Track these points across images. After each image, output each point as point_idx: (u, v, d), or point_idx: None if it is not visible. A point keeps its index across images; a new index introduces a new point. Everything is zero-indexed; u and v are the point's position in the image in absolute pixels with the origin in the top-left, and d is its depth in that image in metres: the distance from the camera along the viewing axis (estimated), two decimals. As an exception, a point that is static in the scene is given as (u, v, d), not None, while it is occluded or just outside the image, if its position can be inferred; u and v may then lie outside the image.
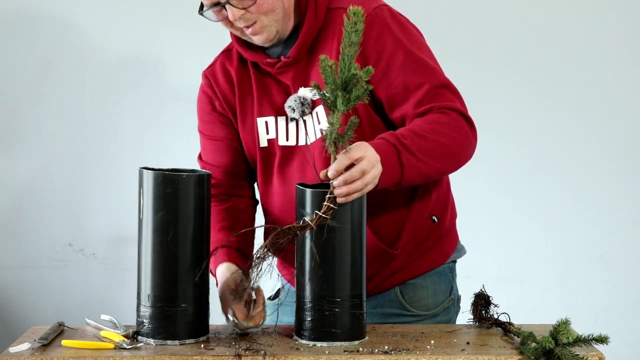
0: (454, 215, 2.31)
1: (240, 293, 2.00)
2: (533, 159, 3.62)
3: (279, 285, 2.34)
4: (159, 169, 1.95)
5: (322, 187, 1.94)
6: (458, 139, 2.06)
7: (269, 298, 2.34)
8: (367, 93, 1.88)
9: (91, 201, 3.61)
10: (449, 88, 2.10)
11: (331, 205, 1.89)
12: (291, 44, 2.14)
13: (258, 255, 1.91)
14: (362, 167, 1.88)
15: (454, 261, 2.29)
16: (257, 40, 2.12)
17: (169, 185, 1.93)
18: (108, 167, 3.61)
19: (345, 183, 1.87)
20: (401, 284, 2.21)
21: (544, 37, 3.60)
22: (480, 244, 3.55)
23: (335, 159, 1.89)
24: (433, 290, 2.23)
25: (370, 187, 1.91)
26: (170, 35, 3.58)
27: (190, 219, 1.94)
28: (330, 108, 1.88)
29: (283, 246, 1.90)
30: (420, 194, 2.18)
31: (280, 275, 2.30)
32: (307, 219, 1.91)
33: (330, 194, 1.89)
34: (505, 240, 3.63)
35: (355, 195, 1.89)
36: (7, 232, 3.61)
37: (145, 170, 1.95)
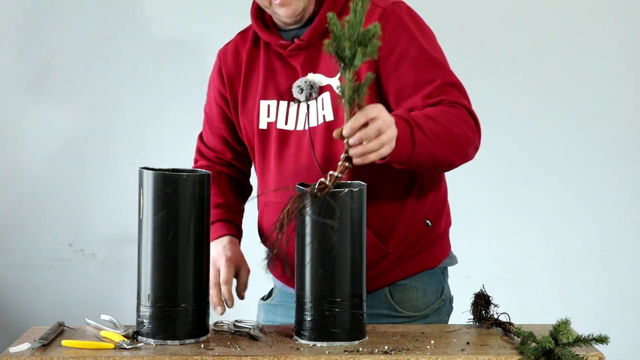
0: (448, 222, 2.28)
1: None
2: (533, 158, 3.63)
3: (271, 286, 2.35)
4: (159, 169, 1.95)
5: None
6: (466, 131, 2.04)
7: (262, 298, 2.35)
8: (377, 51, 1.84)
9: (91, 201, 3.62)
10: (459, 88, 2.10)
11: (347, 164, 1.84)
12: (307, 29, 2.15)
13: (281, 222, 1.85)
14: (378, 125, 1.82)
15: (445, 267, 2.28)
16: (283, 13, 2.11)
17: (169, 185, 1.92)
18: (108, 167, 3.61)
19: (361, 141, 1.83)
20: (390, 285, 2.19)
21: (544, 38, 3.60)
22: (481, 243, 3.55)
23: (349, 118, 1.82)
24: (423, 292, 2.21)
25: (386, 150, 1.85)
26: (171, 35, 3.58)
27: (190, 219, 1.94)
28: (344, 65, 1.83)
29: (301, 213, 1.87)
30: (417, 194, 2.17)
31: (272, 275, 2.29)
32: (323, 179, 1.86)
33: (345, 152, 1.83)
34: (506, 240, 3.63)
35: (371, 157, 1.83)
36: (7, 232, 3.61)
37: (145, 170, 1.95)
